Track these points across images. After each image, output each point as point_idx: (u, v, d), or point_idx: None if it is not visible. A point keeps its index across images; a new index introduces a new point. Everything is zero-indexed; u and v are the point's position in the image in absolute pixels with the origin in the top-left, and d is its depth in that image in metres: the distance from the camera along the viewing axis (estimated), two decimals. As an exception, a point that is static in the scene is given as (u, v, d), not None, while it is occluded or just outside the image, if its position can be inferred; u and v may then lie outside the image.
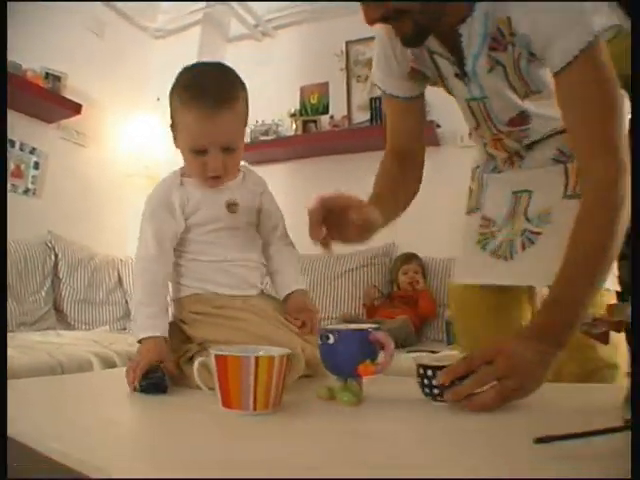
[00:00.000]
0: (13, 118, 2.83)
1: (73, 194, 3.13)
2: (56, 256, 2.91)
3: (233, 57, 3.83)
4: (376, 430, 0.76)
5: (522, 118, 1.17)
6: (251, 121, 3.55)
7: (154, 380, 0.95)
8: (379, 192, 1.26)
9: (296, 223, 3.70)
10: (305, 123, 3.45)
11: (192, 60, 3.46)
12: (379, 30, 1.22)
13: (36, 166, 2.97)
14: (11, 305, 2.55)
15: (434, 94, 3.08)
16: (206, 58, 3.57)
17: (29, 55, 2.81)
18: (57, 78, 2.89)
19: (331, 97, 3.52)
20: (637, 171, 0.67)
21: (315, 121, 3.45)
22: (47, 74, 2.85)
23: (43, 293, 2.78)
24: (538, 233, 1.19)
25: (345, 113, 3.41)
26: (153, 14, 3.68)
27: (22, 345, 1.99)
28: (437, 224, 3.04)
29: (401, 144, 1.31)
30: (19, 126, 2.88)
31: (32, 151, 2.94)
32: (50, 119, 3.02)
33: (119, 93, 3.17)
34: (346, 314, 2.78)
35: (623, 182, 0.92)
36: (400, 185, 1.29)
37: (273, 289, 1.24)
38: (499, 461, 0.60)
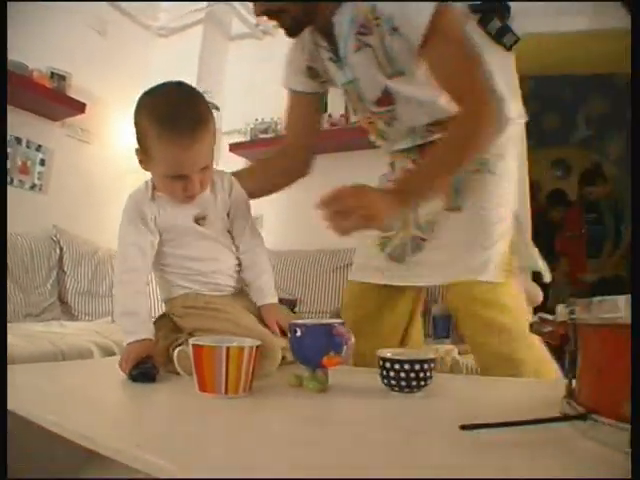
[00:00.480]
0: (20, 116, 2.93)
1: (77, 189, 3.23)
2: (61, 250, 3.01)
3: (235, 55, 3.92)
4: (336, 414, 0.86)
5: (387, 97, 1.28)
6: (251, 119, 3.64)
7: (143, 370, 1.04)
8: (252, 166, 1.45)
9: (293, 219, 3.82)
10: (303, 121, 3.51)
11: (194, 58, 3.56)
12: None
13: (42, 163, 3.06)
14: (17, 297, 2.65)
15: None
16: (208, 56, 3.66)
17: (35, 55, 2.90)
18: (62, 77, 2.98)
19: (329, 96, 3.58)
20: (637, 171, 0.70)
21: (313, 120, 3.51)
22: (52, 74, 2.94)
23: (48, 286, 2.88)
24: (424, 240, 1.34)
25: (343, 112, 3.46)
26: (155, 13, 3.75)
27: (26, 334, 2.08)
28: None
29: (294, 131, 1.46)
30: (26, 124, 2.98)
31: (38, 148, 3.04)
32: (56, 117, 3.11)
33: (122, 91, 3.23)
34: (338, 308, 2.85)
35: (487, 110, 1.12)
36: (275, 170, 1.51)
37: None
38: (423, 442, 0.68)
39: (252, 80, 3.79)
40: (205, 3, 3.60)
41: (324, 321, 1.04)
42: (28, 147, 3.00)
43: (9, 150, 2.89)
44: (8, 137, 2.90)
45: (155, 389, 1.01)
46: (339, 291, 3.11)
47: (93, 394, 0.98)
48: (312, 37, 1.34)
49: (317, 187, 3.52)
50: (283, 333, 1.16)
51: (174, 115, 1.05)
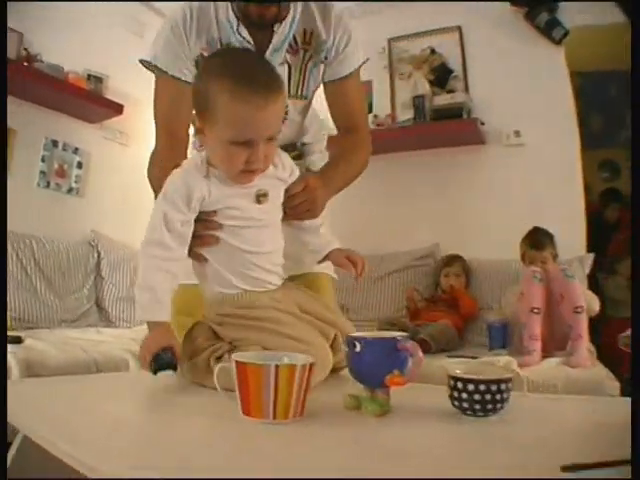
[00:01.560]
0: (56, 119, 2.89)
1: (115, 193, 3.16)
2: (99, 255, 2.95)
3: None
4: (402, 443, 0.72)
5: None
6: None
7: (166, 360, 0.97)
8: None
9: (339, 226, 3.69)
10: (348, 122, 3.39)
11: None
12: (173, 13, 1.33)
13: (79, 166, 2.99)
14: (53, 302, 2.59)
15: (479, 91, 3.03)
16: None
17: (71, 58, 2.84)
18: (99, 79, 2.92)
19: (375, 96, 3.46)
20: (637, 171, 0.69)
21: (358, 120, 3.40)
22: (89, 76, 2.88)
23: (85, 291, 2.81)
24: None
25: (389, 112, 3.34)
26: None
27: (59, 341, 2.01)
28: (480, 223, 2.96)
29: (174, 125, 1.33)
30: (62, 127, 2.92)
31: (75, 151, 2.97)
32: (93, 119, 3.05)
33: (160, 93, 3.19)
34: (388, 317, 2.72)
35: (365, 143, 1.49)
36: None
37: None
38: None
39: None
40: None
41: (386, 334, 0.92)
42: (65, 150, 2.92)
43: (46, 153, 2.84)
44: (44, 140, 2.85)
45: (190, 411, 0.90)
46: (387, 298, 2.97)
47: (111, 412, 0.86)
48: (234, 32, 1.30)
49: (364, 193, 3.43)
50: (355, 265, 1.26)
51: (250, 72, 1.00)
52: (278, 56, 1.31)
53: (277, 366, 0.78)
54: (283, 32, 1.30)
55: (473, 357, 1.99)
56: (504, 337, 2.21)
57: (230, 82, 0.97)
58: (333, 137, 1.54)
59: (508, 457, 0.65)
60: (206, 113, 1.01)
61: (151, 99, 1.38)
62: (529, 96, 2.90)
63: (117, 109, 2.96)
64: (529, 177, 2.88)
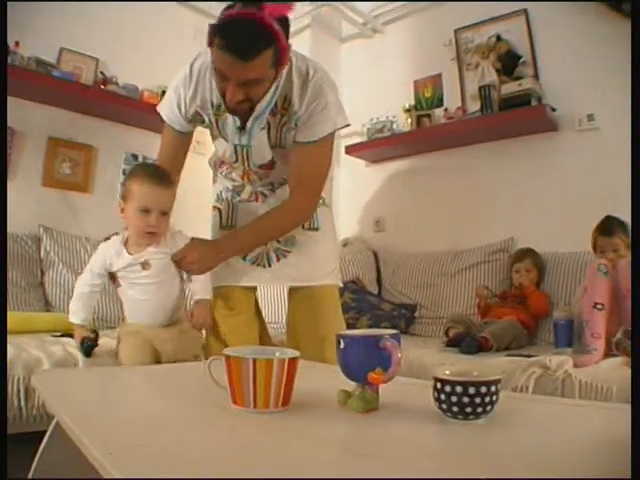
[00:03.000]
0: (135, 134, 3.09)
1: (195, 201, 3.33)
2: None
3: (347, 57, 3.86)
4: (381, 445, 0.73)
5: (270, 164, 1.66)
6: (366, 119, 3.55)
7: (85, 345, 1.66)
8: None
9: (413, 221, 3.65)
10: (419, 118, 3.35)
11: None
12: (178, 74, 1.62)
13: (160, 178, 3.19)
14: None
15: (552, 76, 2.88)
16: (320, 59, 3.63)
17: (147, 76, 3.04)
18: (173, 95, 3.09)
19: (445, 89, 3.40)
20: (637, 171, 0.68)
21: (429, 115, 3.35)
22: (163, 92, 3.05)
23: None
24: (287, 251, 1.73)
25: (459, 104, 3.27)
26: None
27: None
28: (556, 214, 2.83)
29: (168, 162, 1.69)
30: (141, 141, 3.10)
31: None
32: (170, 133, 3.24)
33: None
34: (454, 314, 2.68)
35: (310, 211, 1.66)
36: None
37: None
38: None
39: (365, 80, 3.71)
40: (309, 7, 3.57)
41: (374, 332, 0.93)
42: (145, 163, 3.14)
43: (127, 167, 3.04)
44: (124, 155, 3.07)
45: (193, 400, 0.97)
46: (461, 295, 2.91)
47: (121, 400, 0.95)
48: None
49: (438, 187, 3.36)
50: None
51: (152, 172, 1.59)
52: (259, 123, 1.54)
53: (254, 360, 0.83)
54: (262, 104, 1.49)
55: (528, 355, 1.91)
56: (570, 335, 2.10)
57: (141, 177, 1.56)
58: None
59: (480, 462, 0.63)
60: (127, 197, 1.57)
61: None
62: (601, 77, 2.72)
63: None
64: (605, 162, 2.69)
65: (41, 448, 1.06)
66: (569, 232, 2.68)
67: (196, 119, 1.62)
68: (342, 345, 0.90)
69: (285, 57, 1.40)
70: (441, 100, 3.38)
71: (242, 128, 1.56)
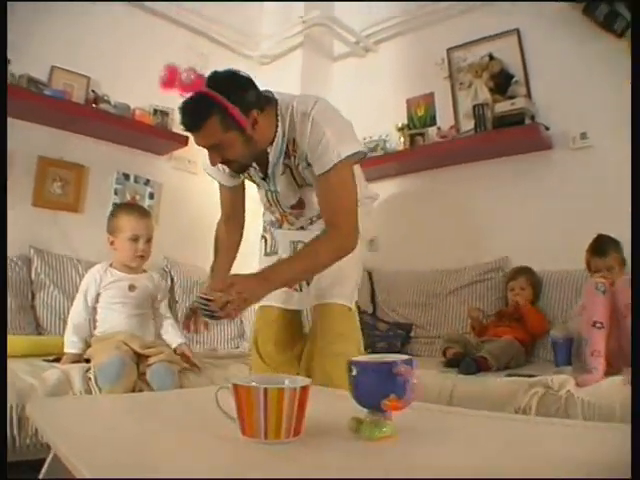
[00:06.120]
0: (127, 153, 3.07)
1: (187, 220, 3.29)
2: (172, 280, 3.08)
3: (339, 75, 3.87)
4: (390, 469, 0.71)
5: (300, 204, 1.74)
6: (359, 138, 3.53)
7: None
8: (220, 265, 1.92)
9: (407, 240, 3.61)
10: (412, 136, 3.35)
11: (298, 83, 3.51)
12: None
13: (151, 196, 3.15)
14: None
15: (544, 95, 2.90)
16: (311, 79, 3.64)
17: (138, 94, 3.03)
18: (165, 113, 3.07)
19: (437, 107, 3.41)
20: (637, 170, 0.60)
21: (422, 134, 3.35)
22: (155, 110, 3.04)
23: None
24: None
25: (452, 123, 3.28)
26: (255, 42, 3.76)
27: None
28: (551, 232, 2.83)
29: (230, 212, 1.92)
30: (133, 160, 3.10)
31: (146, 183, 3.13)
32: (161, 152, 3.21)
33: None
34: (450, 334, 2.65)
35: (351, 245, 1.58)
36: (230, 242, 1.94)
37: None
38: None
39: (357, 98, 3.70)
40: (300, 27, 3.58)
41: (386, 358, 0.91)
42: (136, 182, 3.07)
43: (118, 187, 3.03)
44: (116, 174, 3.04)
45: (197, 429, 0.94)
46: (456, 314, 2.89)
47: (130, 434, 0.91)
48: None
49: (431, 206, 3.35)
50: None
51: (132, 209, 2.17)
52: (277, 169, 1.65)
53: (266, 389, 0.80)
54: (275, 152, 1.61)
55: (530, 375, 1.89)
56: (569, 353, 2.09)
57: (126, 212, 2.11)
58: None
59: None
60: (116, 230, 2.08)
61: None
62: (593, 95, 2.74)
63: (183, 140, 3.03)
64: (600, 180, 2.71)
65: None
66: (564, 250, 2.67)
67: (231, 173, 1.74)
68: (354, 372, 0.88)
69: (240, 117, 1.48)
70: (434, 119, 3.39)
71: (265, 177, 1.70)
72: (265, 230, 1.97)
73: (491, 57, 3.14)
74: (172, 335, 2.12)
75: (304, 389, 0.84)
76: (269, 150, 1.61)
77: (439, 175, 3.33)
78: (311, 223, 1.81)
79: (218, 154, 1.53)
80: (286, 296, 1.82)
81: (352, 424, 0.89)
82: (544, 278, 2.72)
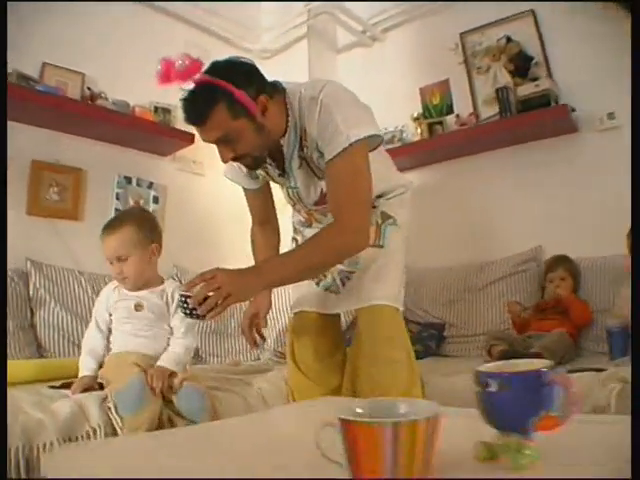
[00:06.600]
0: (127, 155, 2.86)
1: (195, 224, 3.10)
2: (181, 283, 2.87)
3: (345, 67, 3.68)
4: None
5: (323, 199, 1.59)
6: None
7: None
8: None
9: (435, 234, 3.45)
10: (430, 126, 3.17)
11: (303, 75, 3.34)
12: None
13: (155, 200, 2.93)
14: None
15: (566, 76, 2.75)
16: (317, 71, 3.45)
17: (137, 92, 2.81)
18: (167, 111, 2.87)
19: (454, 94, 3.24)
20: (637, 169, 0.69)
21: (441, 122, 3.16)
22: (156, 108, 2.84)
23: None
24: (351, 272, 1.65)
25: (471, 110, 3.11)
26: (256, 35, 3.59)
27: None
28: (584, 218, 2.68)
29: (260, 216, 1.85)
30: (134, 162, 2.88)
31: (150, 186, 2.91)
32: (165, 152, 3.00)
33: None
34: (492, 331, 2.49)
35: (361, 229, 1.45)
36: (268, 247, 1.85)
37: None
38: None
39: (367, 89, 3.50)
40: (304, 17, 3.41)
41: (521, 365, 0.74)
42: (139, 185, 2.87)
43: (120, 191, 2.81)
44: (117, 178, 2.82)
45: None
46: (491, 309, 2.72)
47: None
48: None
49: (453, 198, 3.17)
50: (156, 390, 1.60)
51: (107, 224, 1.82)
52: (294, 162, 1.56)
53: (396, 424, 0.60)
54: (288, 144, 1.53)
55: (599, 370, 1.72)
56: (626, 343, 1.91)
57: (102, 231, 1.79)
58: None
59: None
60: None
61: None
62: (617, 73, 2.56)
63: (188, 139, 2.84)
64: (629, 161, 2.56)
65: None
66: (599, 235, 2.55)
67: (251, 175, 1.70)
68: (493, 387, 0.68)
69: (248, 102, 1.39)
70: (450, 107, 3.22)
71: (283, 173, 1.61)
72: (296, 231, 1.87)
73: (508, 39, 2.99)
74: (167, 357, 1.72)
75: (436, 419, 0.63)
76: (282, 142, 1.53)
77: (459, 165, 3.17)
78: None
79: (229, 148, 1.44)
80: (321, 299, 1.72)
81: (482, 452, 0.71)
82: (581, 266, 2.57)
